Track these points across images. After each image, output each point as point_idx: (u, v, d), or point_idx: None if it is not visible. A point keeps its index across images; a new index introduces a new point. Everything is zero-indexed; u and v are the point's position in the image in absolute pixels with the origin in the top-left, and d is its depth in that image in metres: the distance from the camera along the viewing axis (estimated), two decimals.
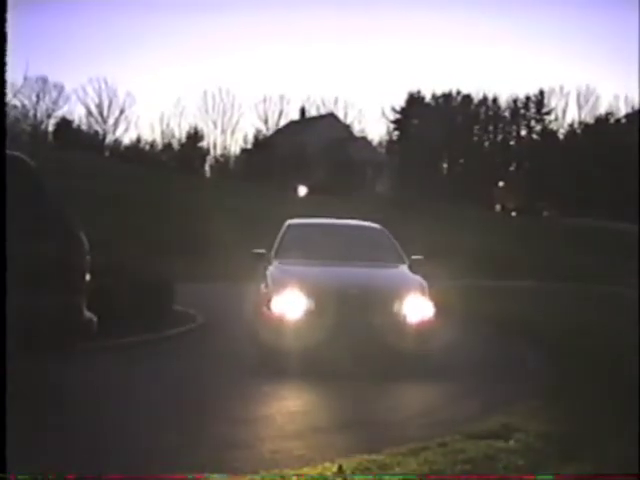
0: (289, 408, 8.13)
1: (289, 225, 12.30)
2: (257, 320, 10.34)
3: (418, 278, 10.78)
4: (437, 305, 10.20)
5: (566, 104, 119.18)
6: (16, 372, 7.96)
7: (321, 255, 11.22)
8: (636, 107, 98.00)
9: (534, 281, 27.91)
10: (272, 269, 10.90)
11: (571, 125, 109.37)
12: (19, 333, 7.18)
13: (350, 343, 9.59)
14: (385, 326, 9.78)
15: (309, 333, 9.54)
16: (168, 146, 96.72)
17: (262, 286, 10.63)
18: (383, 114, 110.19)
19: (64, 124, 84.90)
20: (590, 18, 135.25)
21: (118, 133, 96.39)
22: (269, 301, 9.89)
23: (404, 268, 11.33)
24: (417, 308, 9.99)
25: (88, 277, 7.76)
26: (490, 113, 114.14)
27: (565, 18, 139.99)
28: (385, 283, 10.68)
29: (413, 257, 11.62)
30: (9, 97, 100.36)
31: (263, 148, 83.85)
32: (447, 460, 5.80)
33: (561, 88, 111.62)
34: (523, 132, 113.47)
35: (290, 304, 9.77)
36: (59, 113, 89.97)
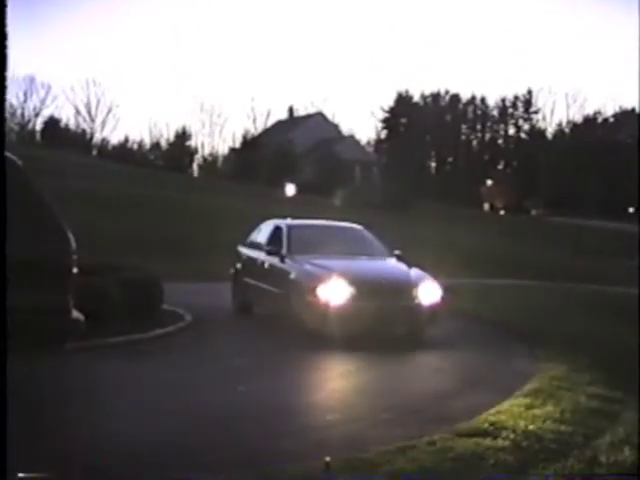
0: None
1: (289, 226, 13.95)
2: (301, 305, 11.66)
3: (417, 270, 12.65)
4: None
5: (554, 103, 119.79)
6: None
7: (329, 251, 13.03)
8: (624, 107, 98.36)
9: (520, 280, 27.90)
10: (299, 263, 12.51)
11: (559, 124, 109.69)
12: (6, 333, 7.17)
13: (386, 322, 11.73)
14: (409, 308, 11.79)
15: (353, 315, 11.29)
16: (156, 145, 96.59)
17: (292, 276, 12.28)
18: (372, 113, 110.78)
19: (52, 123, 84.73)
20: (580, 18, 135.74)
21: (106, 132, 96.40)
22: (315, 289, 11.44)
23: (394, 261, 13.15)
24: (430, 292, 11.95)
25: (76, 275, 7.73)
26: (478, 112, 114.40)
27: (554, 18, 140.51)
28: (402, 273, 12.45)
29: (395, 252, 13.42)
30: None
31: (251, 147, 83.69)
32: (436, 458, 5.81)
33: (549, 88, 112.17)
34: (511, 131, 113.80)
35: (336, 291, 11.43)
36: (47, 112, 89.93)
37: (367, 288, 11.62)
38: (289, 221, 14.43)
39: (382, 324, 11.69)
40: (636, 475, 5.73)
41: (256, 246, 14.72)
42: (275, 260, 13.15)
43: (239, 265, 15.21)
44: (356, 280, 11.63)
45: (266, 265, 13.55)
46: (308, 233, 13.97)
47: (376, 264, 12.98)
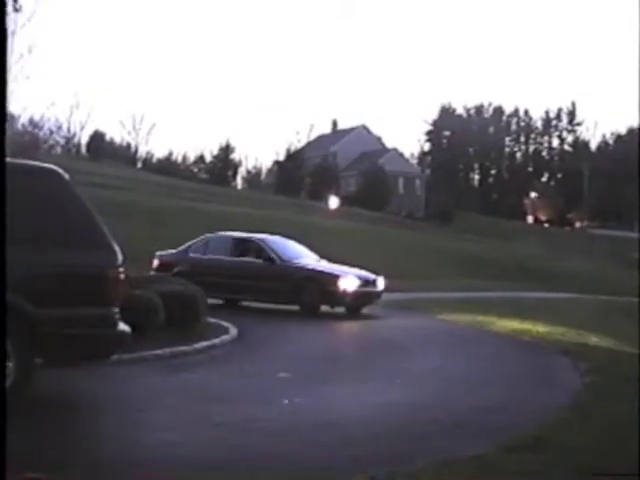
0: None
1: (264, 239, 18.79)
2: (321, 293, 17.48)
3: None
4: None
5: (598, 115, 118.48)
6: (52, 383, 8.07)
7: (297, 256, 18.46)
8: None
9: (586, 294, 27.60)
10: (297, 265, 17.99)
11: (603, 136, 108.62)
12: (55, 343, 7.26)
13: (368, 299, 18.52)
14: (376, 291, 18.52)
15: (357, 296, 17.84)
16: (200, 158, 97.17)
17: (302, 274, 17.66)
18: (415, 126, 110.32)
19: (97, 136, 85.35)
20: (623, 27, 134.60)
21: (150, 145, 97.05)
22: (335, 282, 17.45)
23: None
24: (382, 284, 18.66)
25: (122, 288, 7.78)
26: (522, 124, 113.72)
27: (598, 30, 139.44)
28: (369, 273, 18.62)
29: (320, 258, 19.21)
30: (43, 110, 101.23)
31: (294, 160, 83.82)
32: (480, 473, 5.77)
33: (593, 98, 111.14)
34: (555, 143, 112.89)
35: (350, 282, 17.60)
36: (92, 125, 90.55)
37: (362, 281, 17.97)
38: (261, 235, 19.13)
39: (367, 301, 18.48)
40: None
41: (212, 252, 18.63)
42: (265, 264, 17.87)
43: (184, 267, 18.10)
44: (358, 276, 18.00)
45: (249, 267, 18.01)
46: (278, 244, 18.74)
47: (353, 269, 18.65)
